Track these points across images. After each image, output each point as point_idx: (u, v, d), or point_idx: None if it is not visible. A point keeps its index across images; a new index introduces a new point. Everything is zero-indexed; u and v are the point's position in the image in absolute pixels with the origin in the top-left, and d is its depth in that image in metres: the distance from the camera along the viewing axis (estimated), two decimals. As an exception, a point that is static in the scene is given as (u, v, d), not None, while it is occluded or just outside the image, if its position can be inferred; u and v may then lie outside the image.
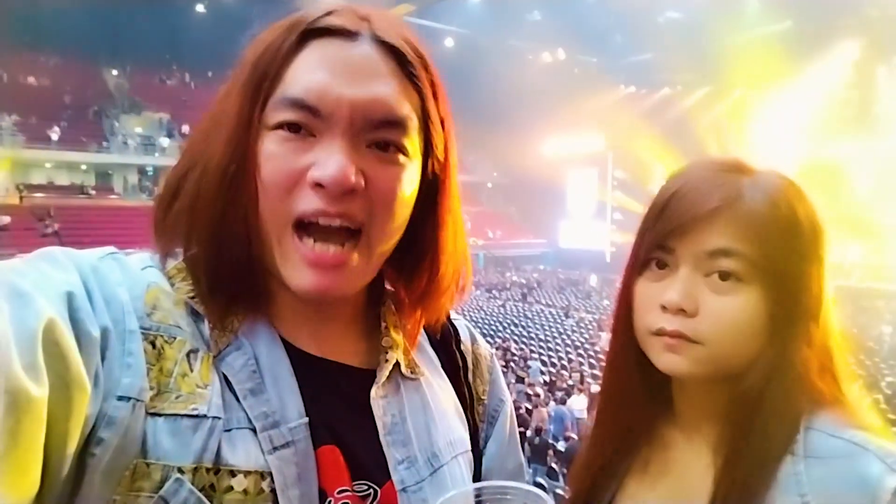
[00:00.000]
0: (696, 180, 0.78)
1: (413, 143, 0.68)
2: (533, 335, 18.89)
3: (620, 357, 0.86)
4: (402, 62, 0.67)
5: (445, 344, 0.88)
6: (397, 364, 0.77)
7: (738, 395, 0.76)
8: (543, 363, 14.86)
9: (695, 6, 31.36)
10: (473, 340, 0.93)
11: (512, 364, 14.00)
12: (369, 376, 0.74)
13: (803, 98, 29.09)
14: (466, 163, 41.80)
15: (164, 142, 32.11)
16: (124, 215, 24.97)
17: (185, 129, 29.64)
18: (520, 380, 12.48)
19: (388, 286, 0.83)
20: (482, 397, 0.89)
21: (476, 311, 23.06)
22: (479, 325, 20.22)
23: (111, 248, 0.68)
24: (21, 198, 26.65)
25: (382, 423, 0.72)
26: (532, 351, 16.24)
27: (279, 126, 0.64)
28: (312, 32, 0.66)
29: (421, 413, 0.77)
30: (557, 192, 40.81)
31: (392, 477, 0.71)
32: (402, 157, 0.67)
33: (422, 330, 0.85)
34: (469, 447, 0.82)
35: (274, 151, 0.64)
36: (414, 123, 0.67)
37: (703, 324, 0.75)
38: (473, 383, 0.89)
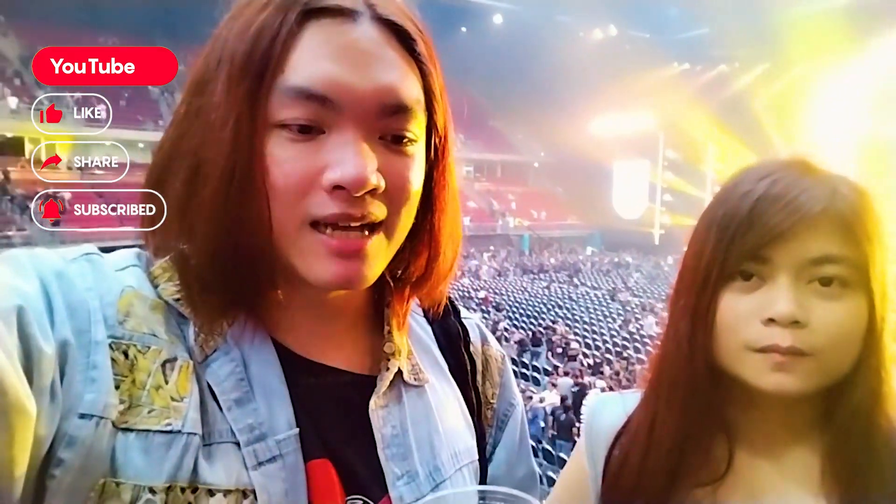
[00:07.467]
0: (781, 182, 0.73)
1: (420, 125, 0.65)
2: (578, 318, 18.75)
3: (694, 380, 0.78)
4: (405, 39, 0.64)
5: (454, 346, 0.83)
6: (399, 371, 0.72)
7: (848, 409, 0.74)
8: (588, 346, 14.81)
9: (755, -22, 30.13)
10: (484, 341, 0.87)
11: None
12: (370, 383, 0.70)
13: (867, 74, 27.66)
14: (513, 142, 41.44)
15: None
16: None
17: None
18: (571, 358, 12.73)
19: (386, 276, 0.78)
20: (491, 401, 0.85)
21: (520, 293, 22.98)
22: (523, 306, 20.16)
23: (88, 248, 0.64)
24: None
25: (381, 435, 0.68)
26: (576, 333, 16.14)
27: (285, 125, 0.59)
28: (309, 13, 0.60)
29: (424, 423, 0.72)
30: (606, 172, 40.02)
31: (390, 493, 0.67)
32: (412, 147, 0.64)
33: (429, 331, 0.81)
34: (476, 456, 0.77)
35: (283, 155, 0.59)
36: (421, 105, 0.65)
37: (815, 334, 0.70)
38: (482, 387, 0.84)
